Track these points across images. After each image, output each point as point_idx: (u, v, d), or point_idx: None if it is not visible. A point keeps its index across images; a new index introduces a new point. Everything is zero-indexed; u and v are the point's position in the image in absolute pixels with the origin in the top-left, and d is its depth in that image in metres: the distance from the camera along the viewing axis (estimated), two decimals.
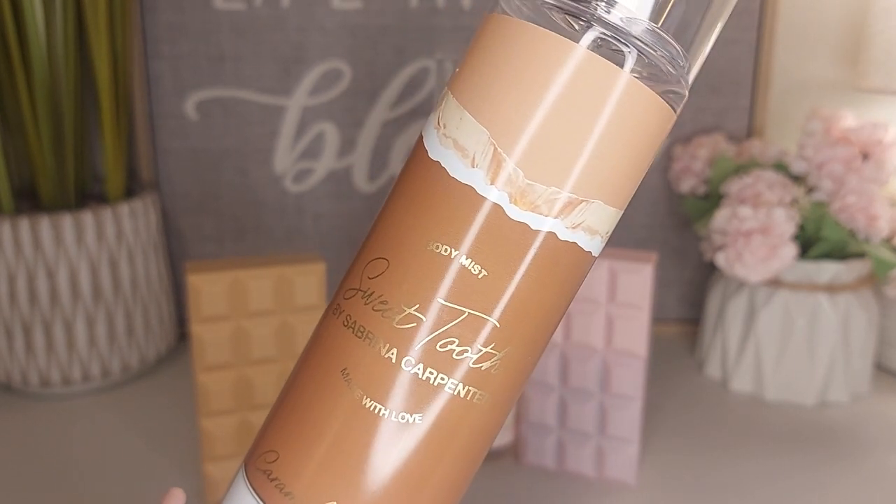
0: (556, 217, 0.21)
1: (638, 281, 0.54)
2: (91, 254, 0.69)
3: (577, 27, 0.21)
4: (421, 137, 0.23)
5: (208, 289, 0.51)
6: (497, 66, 0.21)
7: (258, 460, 0.23)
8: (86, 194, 0.74)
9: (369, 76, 0.79)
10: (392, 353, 0.21)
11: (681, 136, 0.80)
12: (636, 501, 0.56)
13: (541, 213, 0.21)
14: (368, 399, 0.21)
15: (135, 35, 0.76)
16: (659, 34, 0.21)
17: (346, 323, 0.22)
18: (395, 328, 0.21)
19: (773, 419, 0.67)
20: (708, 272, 0.83)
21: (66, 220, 0.67)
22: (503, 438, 0.59)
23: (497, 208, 0.21)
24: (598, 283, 0.55)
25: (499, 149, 0.21)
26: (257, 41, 0.78)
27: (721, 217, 0.67)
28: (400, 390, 0.21)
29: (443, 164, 0.22)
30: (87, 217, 0.68)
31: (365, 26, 0.78)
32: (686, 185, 0.76)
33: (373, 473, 0.22)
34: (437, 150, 0.22)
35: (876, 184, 0.67)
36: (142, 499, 0.56)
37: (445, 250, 0.21)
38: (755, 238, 0.64)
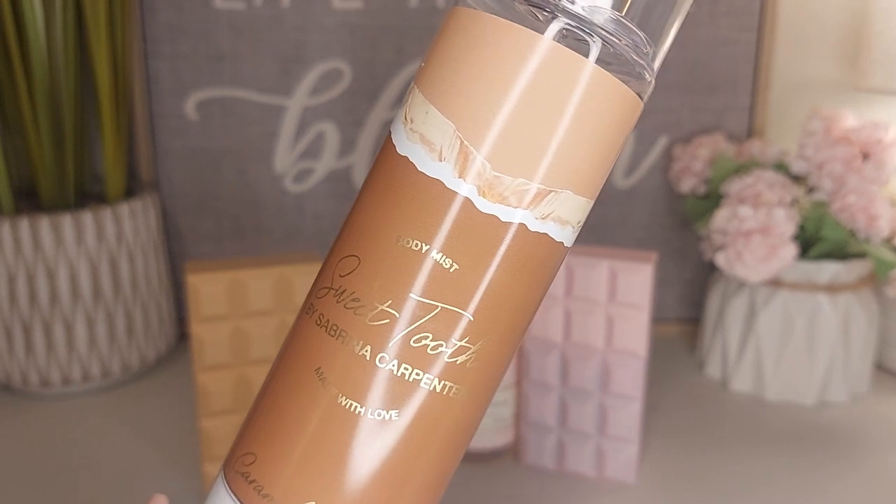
0: (525, 208, 0.21)
1: (638, 281, 0.54)
2: (91, 254, 0.69)
3: (541, 18, 0.21)
4: (389, 134, 0.23)
5: (208, 289, 0.51)
6: (462, 59, 0.21)
7: (236, 463, 0.23)
8: (85, 194, 0.74)
9: (369, 76, 0.79)
10: (366, 351, 0.21)
11: (681, 136, 0.80)
12: (636, 501, 0.56)
13: (510, 205, 0.21)
14: (344, 397, 0.21)
15: (134, 35, 0.76)
16: (623, 23, 0.21)
17: (318, 322, 0.22)
18: (367, 325, 0.21)
19: (772, 419, 0.67)
20: (708, 272, 0.83)
21: (66, 220, 0.67)
22: (503, 438, 0.59)
23: (466, 201, 0.21)
24: (598, 282, 0.55)
25: (465, 142, 0.21)
26: (257, 41, 0.78)
27: (721, 217, 0.67)
28: (375, 387, 0.21)
29: (411, 159, 0.22)
30: (87, 217, 0.68)
31: (365, 26, 0.78)
32: (686, 184, 0.76)
33: (352, 472, 0.21)
34: (404, 145, 0.22)
35: (876, 184, 0.67)
36: (141, 499, 0.56)
37: (416, 245, 0.21)
38: (755, 238, 0.64)
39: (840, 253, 0.69)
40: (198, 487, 0.56)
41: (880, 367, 0.76)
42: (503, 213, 0.21)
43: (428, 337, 0.21)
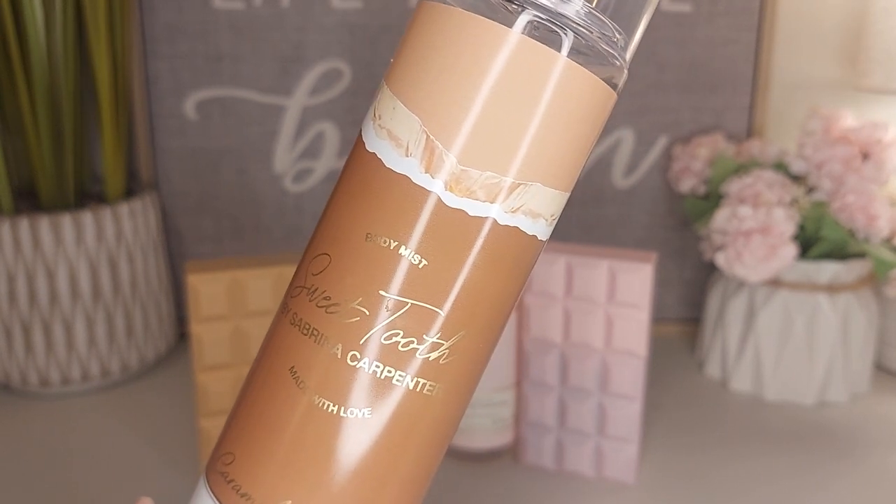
0: (493, 202, 0.21)
1: (638, 280, 0.54)
2: (90, 254, 0.69)
3: (510, 10, 0.21)
4: (360, 131, 0.23)
5: (208, 289, 0.51)
6: (429, 53, 0.21)
7: (217, 462, 0.23)
8: (85, 194, 0.74)
9: (369, 76, 0.79)
10: (338, 349, 0.21)
11: (680, 136, 0.80)
12: (635, 501, 0.56)
13: (478, 199, 0.21)
14: (318, 396, 0.21)
15: (134, 35, 0.76)
16: (594, 14, 0.21)
17: (292, 321, 0.22)
18: (339, 323, 0.21)
19: (772, 419, 0.67)
20: (708, 272, 0.83)
21: (66, 220, 0.67)
22: (502, 438, 0.59)
23: (433, 196, 0.21)
24: (597, 282, 0.55)
25: (431, 136, 0.21)
26: (256, 41, 0.78)
27: (721, 217, 0.67)
28: (350, 386, 0.21)
29: (379, 156, 0.21)
30: (87, 217, 0.68)
31: (365, 26, 0.78)
32: (686, 184, 0.76)
33: (329, 471, 0.21)
34: (372, 141, 0.22)
35: (876, 183, 0.67)
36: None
37: (385, 241, 0.21)
38: (755, 238, 0.64)
39: (840, 253, 0.69)
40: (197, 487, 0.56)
41: (880, 367, 0.76)
42: (472, 207, 0.21)
43: (399, 334, 0.21)
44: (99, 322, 0.70)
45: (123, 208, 0.70)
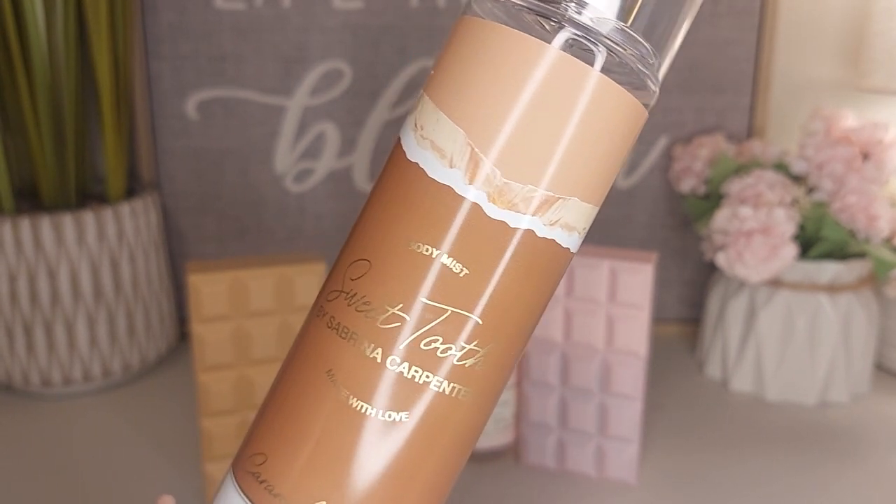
0: (533, 214, 0.21)
1: (638, 281, 0.54)
2: (92, 254, 0.69)
3: (548, 28, 0.21)
4: (398, 140, 0.23)
5: (209, 289, 0.51)
6: (471, 68, 0.22)
7: (246, 462, 0.23)
8: (87, 194, 0.75)
9: (370, 76, 0.79)
10: (377, 353, 0.22)
11: (681, 136, 0.80)
12: (636, 501, 0.56)
13: (519, 211, 0.21)
14: (355, 399, 0.22)
15: (136, 35, 0.76)
16: (628, 33, 0.22)
17: (329, 324, 0.23)
18: (378, 328, 0.22)
19: (773, 419, 0.67)
20: (708, 272, 0.83)
21: (67, 220, 0.67)
22: (503, 438, 0.59)
23: (476, 207, 0.21)
24: (598, 282, 0.55)
25: (476, 149, 0.21)
26: (258, 41, 0.78)
27: (721, 217, 0.67)
28: (386, 389, 0.22)
29: (421, 165, 0.22)
30: (88, 217, 0.68)
31: (366, 26, 0.78)
32: (686, 184, 0.76)
33: (360, 472, 0.22)
34: (414, 151, 0.22)
35: (876, 184, 0.67)
36: (142, 498, 0.56)
37: (427, 250, 0.21)
38: (756, 238, 0.64)
39: (840, 253, 0.69)
40: (199, 487, 0.56)
41: (880, 368, 0.76)
42: (512, 219, 0.21)
43: (438, 340, 0.22)
44: (100, 322, 0.70)
45: (125, 208, 0.71)
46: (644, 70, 0.22)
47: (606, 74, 0.21)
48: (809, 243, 0.69)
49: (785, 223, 0.64)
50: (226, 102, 0.79)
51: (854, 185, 0.66)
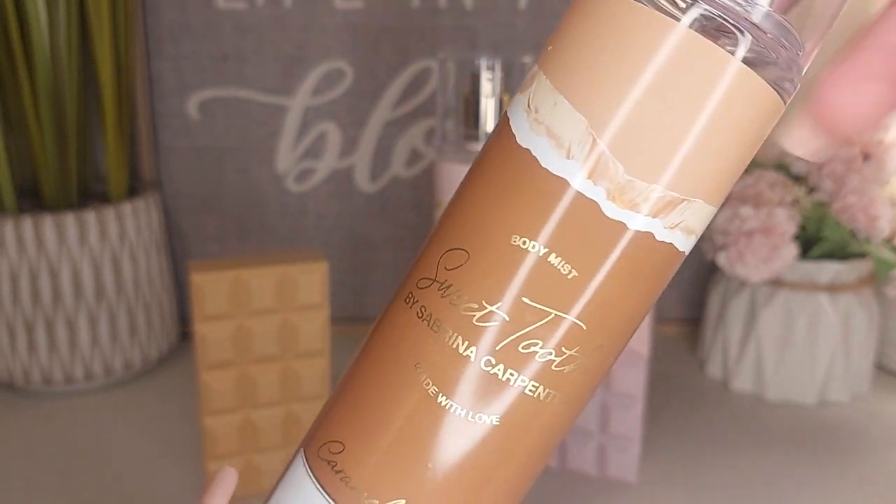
0: (655, 216, 0.19)
1: None
2: (94, 253, 0.69)
3: (681, 4, 0.18)
4: (506, 120, 0.21)
5: (211, 287, 0.51)
6: (595, 47, 0.19)
7: (321, 450, 0.22)
8: (88, 193, 0.75)
9: (371, 76, 0.79)
10: (471, 352, 0.20)
11: None
12: (638, 500, 0.56)
13: (639, 212, 0.19)
14: (446, 398, 0.21)
15: (137, 35, 0.76)
16: (779, 20, 0.19)
17: (420, 314, 0.21)
18: (474, 325, 0.20)
19: (773, 419, 0.68)
20: (709, 272, 0.83)
21: (69, 219, 0.67)
22: None
23: (593, 205, 0.19)
24: None
25: (598, 140, 0.19)
26: (260, 41, 0.78)
27: (722, 217, 0.67)
28: (477, 389, 0.20)
29: (533, 153, 0.20)
30: (90, 216, 0.68)
31: (367, 26, 0.78)
32: None
33: (440, 470, 0.21)
34: (527, 136, 0.20)
35: (877, 184, 0.67)
36: (143, 497, 0.56)
37: (533, 246, 0.20)
38: (756, 238, 0.65)
39: (841, 253, 0.69)
40: (200, 486, 0.56)
41: (880, 367, 0.76)
42: (632, 220, 0.19)
43: (538, 344, 0.20)
44: (102, 321, 0.70)
45: (126, 207, 0.71)
46: (789, 58, 0.19)
47: (744, 61, 0.18)
48: (810, 243, 0.69)
49: (785, 223, 0.65)
50: (227, 102, 0.79)
51: (854, 185, 0.66)
